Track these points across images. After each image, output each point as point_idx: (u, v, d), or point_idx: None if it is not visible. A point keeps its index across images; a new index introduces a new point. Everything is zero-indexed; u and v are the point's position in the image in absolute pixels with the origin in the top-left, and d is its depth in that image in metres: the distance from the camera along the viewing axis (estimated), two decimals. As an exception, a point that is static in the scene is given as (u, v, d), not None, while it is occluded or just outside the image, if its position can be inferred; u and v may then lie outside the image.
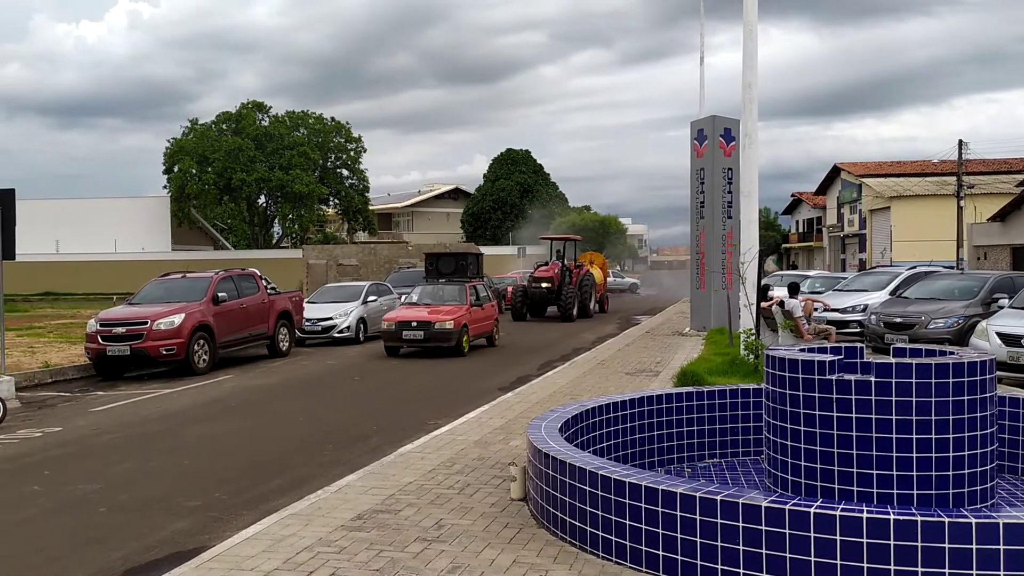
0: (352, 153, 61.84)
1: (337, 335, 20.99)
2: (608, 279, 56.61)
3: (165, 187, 57.99)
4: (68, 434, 10.29)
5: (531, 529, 5.63)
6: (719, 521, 4.48)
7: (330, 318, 21.16)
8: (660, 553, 4.70)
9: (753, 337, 12.32)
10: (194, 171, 55.36)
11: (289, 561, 5.11)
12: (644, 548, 4.78)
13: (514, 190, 65.07)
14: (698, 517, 4.55)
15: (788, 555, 4.28)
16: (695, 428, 7.51)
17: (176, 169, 56.24)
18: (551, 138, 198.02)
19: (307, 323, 20.74)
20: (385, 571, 4.91)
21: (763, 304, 14.25)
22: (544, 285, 28.19)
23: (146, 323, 15.28)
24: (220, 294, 16.78)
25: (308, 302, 21.83)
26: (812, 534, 4.24)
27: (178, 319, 15.46)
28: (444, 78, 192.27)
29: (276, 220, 61.76)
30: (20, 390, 13.42)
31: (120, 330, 15.34)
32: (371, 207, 64.60)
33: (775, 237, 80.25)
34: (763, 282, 15.27)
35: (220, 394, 13.36)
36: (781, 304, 14.85)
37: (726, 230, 20.39)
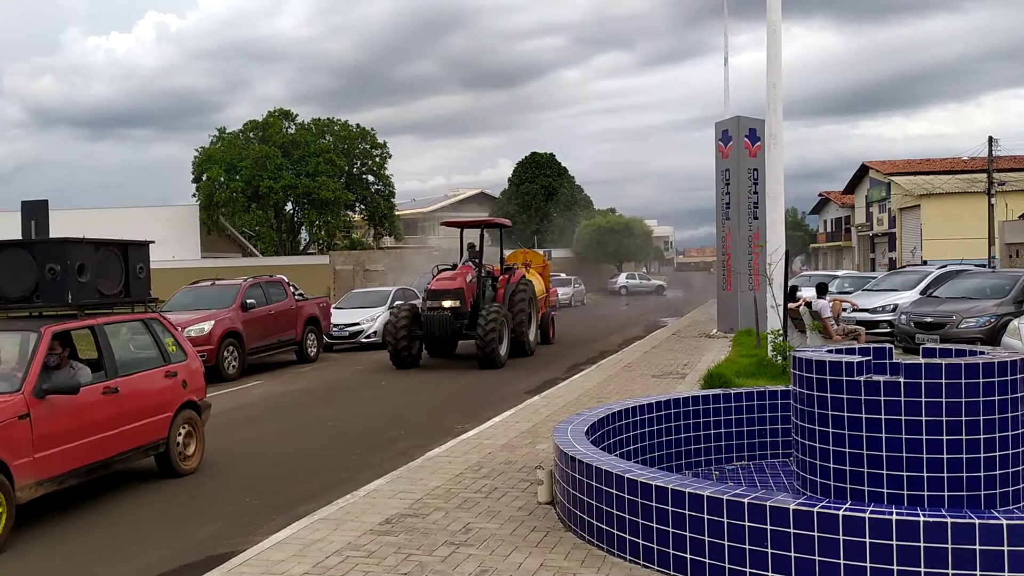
0: (377, 159, 62.11)
1: (364, 340, 21.12)
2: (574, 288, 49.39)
3: (194, 195, 58.56)
4: (102, 441, 10.43)
5: (558, 532, 5.64)
6: (747, 524, 4.46)
7: (357, 323, 21.32)
8: (688, 556, 4.70)
9: (781, 338, 12.23)
10: (222, 179, 55.88)
11: (319, 565, 5.16)
12: (672, 551, 4.77)
13: (539, 193, 65.09)
14: (725, 520, 4.54)
15: (817, 558, 4.26)
16: (723, 431, 7.47)
17: (205, 178, 56.77)
18: (575, 141, 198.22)
19: (335, 329, 20.89)
20: (413, 575, 4.94)
21: (790, 305, 14.14)
22: (447, 305, 16.71)
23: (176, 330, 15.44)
24: (249, 301, 16.96)
25: (335, 308, 22.01)
26: (841, 537, 4.21)
27: (208, 326, 15.63)
28: (467, 83, 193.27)
29: (303, 227, 62.15)
30: (55, 397, 13.62)
31: (151, 338, 15.48)
32: (397, 212, 64.88)
33: (802, 237, 79.55)
34: (791, 283, 15.14)
35: (250, 400, 13.49)
36: (809, 305, 14.73)
37: (752, 231, 20.25)
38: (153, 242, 9.28)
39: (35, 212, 13.70)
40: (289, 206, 60.58)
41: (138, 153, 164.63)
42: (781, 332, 12.41)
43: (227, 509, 7.15)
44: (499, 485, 6.96)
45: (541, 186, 65.54)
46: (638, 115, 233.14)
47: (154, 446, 8.12)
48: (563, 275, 46.31)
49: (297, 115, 60.92)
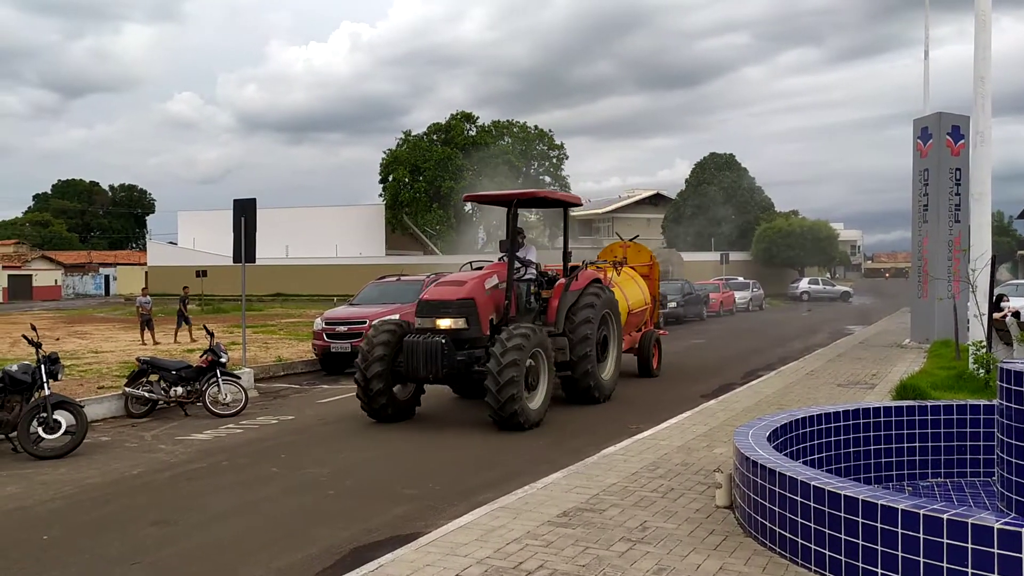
0: (554, 160, 62.94)
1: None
2: (726, 293, 36.64)
3: (380, 196, 61.60)
4: (299, 422, 11.26)
5: (738, 537, 5.56)
6: (945, 541, 4.23)
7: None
8: (879, 571, 4.50)
9: (984, 350, 11.38)
10: (407, 180, 58.46)
11: (500, 551, 5.35)
12: (861, 565, 4.59)
13: (717, 194, 63.58)
14: (921, 536, 4.32)
15: (1025, 583, 3.98)
16: (916, 445, 7.07)
17: (390, 179, 59.57)
18: (756, 141, 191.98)
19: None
20: (591, 568, 5.03)
21: (995, 315, 13.11)
22: (444, 326, 10.94)
23: (365, 322, 16.35)
24: (431, 296, 17.63)
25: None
26: (1054, 562, 3.91)
27: (394, 319, 16.41)
28: (644, 84, 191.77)
29: (481, 226, 63.89)
30: (257, 381, 14.81)
31: (342, 328, 16.54)
32: (573, 213, 65.37)
33: (1010, 243, 73.24)
34: (996, 291, 14.04)
35: (432, 391, 14.01)
36: (1016, 315, 13.61)
37: (953, 235, 18.92)
38: None
39: (244, 210, 14.94)
40: (468, 206, 62.40)
41: (330, 156, 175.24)
42: (984, 343, 11.55)
43: (412, 493, 7.52)
44: (675, 486, 6.92)
45: (720, 187, 63.95)
46: (825, 113, 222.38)
47: None
48: (741, 279, 45.11)
49: (478, 118, 62.72)
